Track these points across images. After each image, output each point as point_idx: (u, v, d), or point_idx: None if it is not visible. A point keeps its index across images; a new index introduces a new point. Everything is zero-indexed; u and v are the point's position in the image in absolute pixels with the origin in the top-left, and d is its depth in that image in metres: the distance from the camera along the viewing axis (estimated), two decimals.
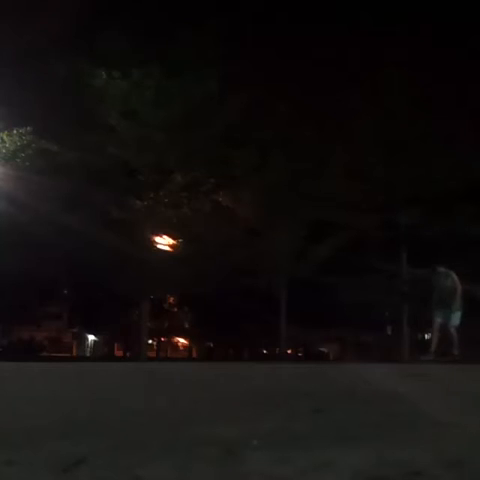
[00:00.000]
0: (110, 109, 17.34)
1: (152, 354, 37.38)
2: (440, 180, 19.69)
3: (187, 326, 45.40)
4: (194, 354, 49.42)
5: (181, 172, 18.49)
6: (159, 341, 46.22)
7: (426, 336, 35.74)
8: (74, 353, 43.73)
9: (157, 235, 19.84)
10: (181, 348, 54.67)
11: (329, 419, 1.58)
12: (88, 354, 45.78)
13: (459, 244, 20.92)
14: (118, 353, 43.29)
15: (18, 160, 16.76)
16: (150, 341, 37.36)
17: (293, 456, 1.09)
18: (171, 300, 40.42)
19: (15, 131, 16.59)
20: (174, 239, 20.30)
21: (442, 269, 9.32)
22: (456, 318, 8.93)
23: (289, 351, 32.49)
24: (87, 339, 49.36)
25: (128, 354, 35.99)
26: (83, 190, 17.83)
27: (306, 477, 0.97)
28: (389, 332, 32.94)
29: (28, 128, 16.57)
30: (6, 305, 27.04)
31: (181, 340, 52.96)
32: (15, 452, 1.13)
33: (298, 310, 24.21)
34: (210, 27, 17.27)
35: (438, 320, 8.77)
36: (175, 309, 42.43)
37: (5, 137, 16.57)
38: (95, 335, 48.78)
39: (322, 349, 43.67)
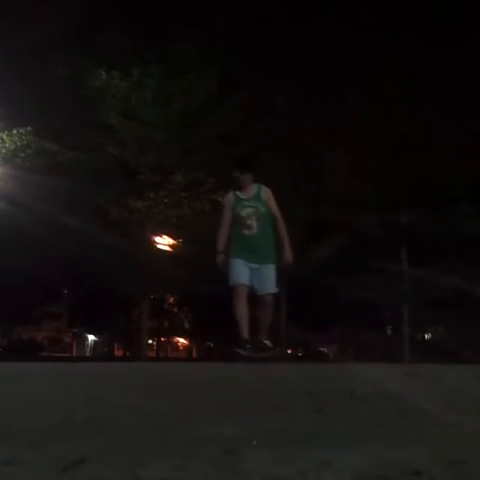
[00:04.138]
0: (110, 109, 17.35)
1: (152, 354, 37.41)
2: (440, 180, 19.70)
3: (187, 326, 45.42)
4: (194, 354, 49.44)
5: (181, 172, 18.50)
6: (159, 341, 46.25)
7: (426, 336, 35.78)
8: (74, 353, 43.76)
9: (157, 235, 19.86)
10: (181, 348, 54.68)
11: (329, 419, 1.58)
12: (88, 354, 45.82)
13: (459, 244, 20.94)
14: (118, 353, 43.33)
15: (18, 160, 16.77)
16: (150, 341, 37.40)
17: (293, 456, 1.09)
18: (171, 300, 40.43)
19: (15, 131, 16.60)
20: (174, 239, 20.31)
21: (256, 186, 5.27)
22: (273, 278, 5.15)
23: (289, 351, 32.50)
24: (87, 339, 49.40)
25: (128, 354, 36.02)
26: (83, 190, 17.84)
27: (306, 477, 0.97)
28: (389, 332, 32.99)
29: (28, 128, 16.59)
30: (6, 305, 27.04)
31: (181, 340, 52.99)
32: (15, 452, 1.13)
33: (298, 310, 24.21)
34: (210, 27, 17.30)
35: (241, 281, 5.04)
36: (175, 309, 42.45)
37: (5, 137, 16.59)
38: (95, 335, 48.80)
39: (322, 349, 43.70)
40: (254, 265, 5.11)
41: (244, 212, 5.15)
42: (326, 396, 2.09)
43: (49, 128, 16.87)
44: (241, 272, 5.08)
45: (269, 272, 5.14)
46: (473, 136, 19.18)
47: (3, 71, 16.07)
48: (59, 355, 32.11)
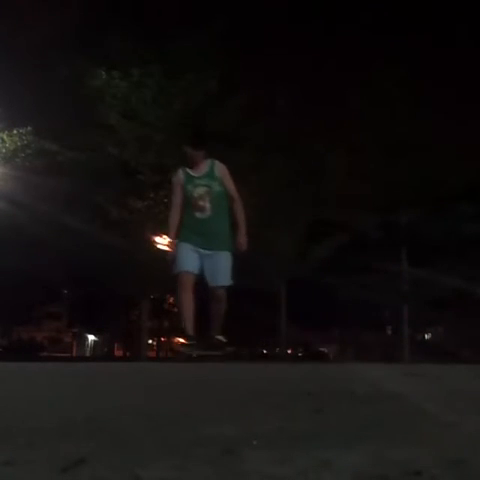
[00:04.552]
0: (110, 109, 17.38)
1: (152, 354, 37.42)
2: (440, 180, 19.72)
3: None
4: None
5: None
6: (159, 341, 46.24)
7: (426, 336, 35.82)
8: (74, 353, 43.76)
9: (157, 235, 19.87)
10: None
11: (329, 419, 1.58)
12: (88, 354, 45.82)
13: (459, 244, 20.95)
14: (118, 353, 43.31)
15: (18, 160, 16.78)
16: (150, 341, 37.41)
17: (293, 456, 1.09)
18: (171, 300, 40.39)
19: (15, 131, 16.61)
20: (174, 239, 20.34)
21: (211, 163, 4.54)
22: (226, 268, 4.47)
23: (289, 351, 32.51)
24: (87, 339, 49.39)
25: (128, 354, 36.01)
26: (83, 190, 17.86)
27: (306, 477, 0.97)
28: (389, 332, 33.02)
29: (28, 128, 16.60)
30: (6, 305, 27.05)
31: (181, 340, 52.97)
32: (15, 452, 1.13)
33: (298, 310, 24.24)
34: (210, 27, 17.31)
35: (187, 268, 4.36)
36: (175, 309, 42.39)
37: (5, 137, 16.60)
38: (95, 335, 48.78)
39: (322, 349, 43.72)
40: (205, 251, 4.41)
41: (196, 192, 4.42)
42: (326, 396, 2.09)
43: (49, 128, 16.88)
44: (188, 258, 4.39)
45: (223, 260, 4.44)
46: (473, 136, 19.18)
47: (3, 71, 16.08)
48: (59, 355, 32.11)
